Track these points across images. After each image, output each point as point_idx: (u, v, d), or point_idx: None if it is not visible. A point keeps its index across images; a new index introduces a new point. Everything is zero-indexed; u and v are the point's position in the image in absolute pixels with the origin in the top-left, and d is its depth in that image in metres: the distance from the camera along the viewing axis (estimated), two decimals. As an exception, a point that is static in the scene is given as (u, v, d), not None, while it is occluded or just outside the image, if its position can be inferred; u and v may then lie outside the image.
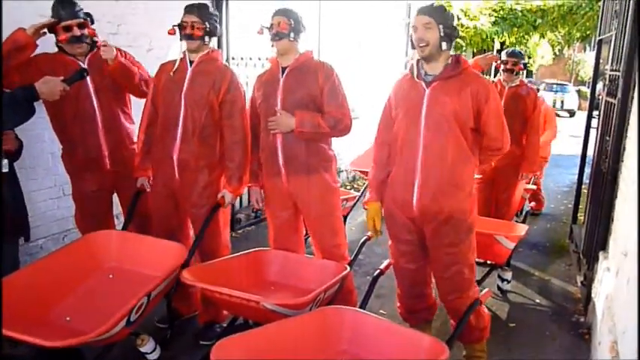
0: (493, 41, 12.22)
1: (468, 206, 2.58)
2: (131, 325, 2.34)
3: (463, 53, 12.45)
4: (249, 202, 5.29)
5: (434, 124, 2.47)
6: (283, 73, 2.84)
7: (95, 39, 2.95)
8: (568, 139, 12.86)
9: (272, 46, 2.85)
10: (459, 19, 11.07)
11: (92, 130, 2.95)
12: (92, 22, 2.94)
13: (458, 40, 11.96)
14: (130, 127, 3.15)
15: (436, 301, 2.96)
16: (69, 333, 2.21)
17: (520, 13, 11.43)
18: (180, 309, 3.22)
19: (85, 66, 2.88)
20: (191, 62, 2.92)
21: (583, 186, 5.14)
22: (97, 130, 2.96)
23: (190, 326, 3.22)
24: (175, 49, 3.87)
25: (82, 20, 2.85)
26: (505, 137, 2.54)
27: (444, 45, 2.44)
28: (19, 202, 2.69)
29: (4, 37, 2.61)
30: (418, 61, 2.55)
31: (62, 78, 2.55)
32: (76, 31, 2.82)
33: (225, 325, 3.04)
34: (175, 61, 2.97)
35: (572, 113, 20.53)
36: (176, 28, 2.90)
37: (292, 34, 2.79)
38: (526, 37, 12.41)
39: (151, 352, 2.55)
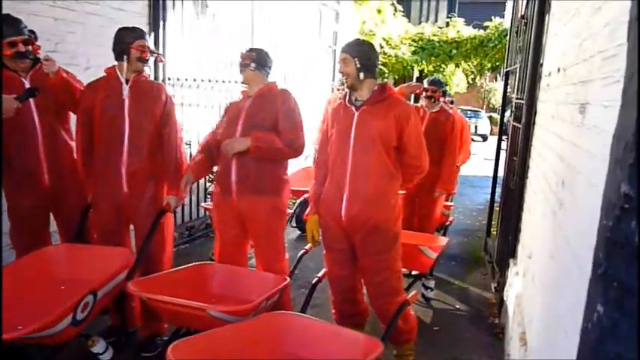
0: (413, 69, 12.96)
1: (392, 217, 2.84)
2: (79, 325, 2.40)
3: (385, 79, 13.11)
4: (182, 220, 5.35)
5: (361, 143, 2.75)
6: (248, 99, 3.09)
7: (38, 55, 2.99)
8: (482, 161, 13.80)
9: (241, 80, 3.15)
10: (381, 47, 11.68)
11: (31, 145, 2.97)
12: (36, 39, 2.99)
13: (381, 67, 12.63)
14: (71, 144, 3.18)
15: (367, 307, 3.19)
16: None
17: (437, 44, 12.25)
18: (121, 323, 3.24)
19: (28, 82, 2.92)
20: (127, 80, 3.02)
21: (495, 203, 5.64)
22: (37, 145, 2.99)
23: (132, 339, 3.25)
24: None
25: (26, 37, 2.90)
26: (424, 156, 2.83)
27: (362, 75, 2.75)
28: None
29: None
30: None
31: (14, 96, 2.59)
32: (21, 47, 2.87)
33: (166, 338, 3.11)
34: (104, 80, 3.06)
35: (484, 138, 21.92)
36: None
37: (253, 65, 3.05)
38: (442, 65, 13.31)
39: (103, 353, 2.61)
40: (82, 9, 3.88)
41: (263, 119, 3.00)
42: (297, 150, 3.05)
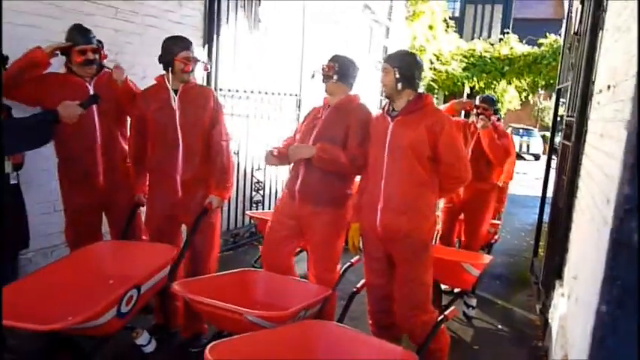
0: (463, 85, 12.86)
1: (424, 226, 2.83)
2: (123, 318, 2.51)
3: (435, 95, 13.04)
4: (227, 227, 5.48)
5: (394, 154, 2.78)
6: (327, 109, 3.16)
7: (103, 63, 3.18)
8: (534, 181, 13.43)
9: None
10: (431, 62, 11.65)
11: (90, 148, 3.14)
12: (102, 49, 3.18)
13: (431, 82, 12.61)
14: (125, 148, 3.35)
15: None
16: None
17: (489, 61, 12.12)
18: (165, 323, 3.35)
19: (92, 87, 3.11)
20: (175, 90, 3.12)
21: (544, 224, 5.49)
22: (96, 147, 3.16)
23: (174, 339, 3.35)
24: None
25: (95, 46, 3.10)
26: (462, 165, 2.79)
27: (399, 85, 2.78)
28: (23, 213, 2.86)
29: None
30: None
31: (78, 102, 2.76)
32: (90, 55, 3.07)
33: (206, 340, 3.19)
34: (157, 87, 3.17)
35: (537, 157, 21.33)
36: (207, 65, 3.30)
37: (336, 77, 3.10)
38: (494, 82, 13.11)
39: (146, 345, 2.70)
40: (142, 21, 4.09)
41: (335, 131, 3.04)
42: (359, 168, 3.04)
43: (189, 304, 2.83)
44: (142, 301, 2.70)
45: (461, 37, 14.41)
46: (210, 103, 3.16)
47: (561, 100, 5.26)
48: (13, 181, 2.73)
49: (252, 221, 5.60)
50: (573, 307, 2.62)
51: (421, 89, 3.11)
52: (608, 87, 2.53)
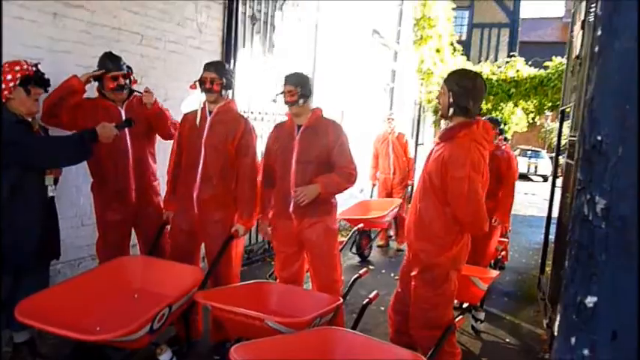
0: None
1: (434, 251, 2.81)
2: (153, 334, 2.67)
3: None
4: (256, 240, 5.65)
5: (423, 178, 2.85)
6: (298, 130, 3.30)
7: (133, 88, 3.41)
8: (542, 202, 13.51)
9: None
10: (439, 85, 11.87)
11: (124, 166, 3.35)
12: (131, 74, 3.41)
13: (438, 104, 12.76)
14: (154, 166, 3.56)
15: None
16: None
17: (496, 83, 12.30)
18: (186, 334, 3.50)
19: (123, 111, 3.33)
20: (210, 112, 3.36)
21: (550, 243, 5.61)
22: (128, 166, 3.36)
23: (196, 347, 3.50)
24: (188, 99, 4.39)
25: (126, 72, 3.32)
26: (466, 210, 2.64)
27: (451, 111, 2.71)
28: (57, 225, 3.05)
29: (56, 82, 3.07)
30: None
31: (115, 124, 2.98)
32: (121, 81, 3.29)
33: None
34: (197, 111, 3.41)
35: (545, 178, 21.35)
36: (197, 84, 3.35)
37: (301, 101, 3.25)
38: (501, 104, 13.27)
39: (168, 361, 2.85)
40: (165, 47, 4.33)
41: (316, 154, 3.24)
42: (353, 182, 3.30)
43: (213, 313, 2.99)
44: (171, 319, 2.86)
45: (468, 60, 14.65)
46: (240, 130, 3.31)
47: (565, 122, 5.43)
48: (50, 194, 2.93)
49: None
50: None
51: (430, 112, 3.25)
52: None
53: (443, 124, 6.60)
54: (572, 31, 4.91)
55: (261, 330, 2.70)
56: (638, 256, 0.52)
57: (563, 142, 5.55)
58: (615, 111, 0.59)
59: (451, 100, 2.70)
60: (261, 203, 3.46)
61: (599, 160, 0.59)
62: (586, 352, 0.58)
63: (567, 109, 4.95)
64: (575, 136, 3.97)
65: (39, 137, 2.90)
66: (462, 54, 13.75)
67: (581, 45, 4.22)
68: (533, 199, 14.29)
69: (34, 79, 2.83)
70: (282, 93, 3.28)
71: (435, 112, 12.90)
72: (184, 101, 4.48)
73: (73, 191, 3.67)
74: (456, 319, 2.95)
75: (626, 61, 0.58)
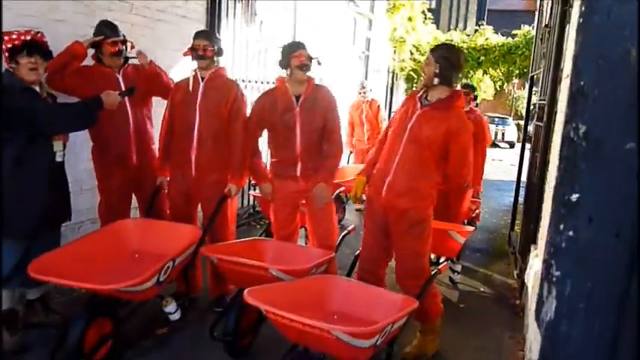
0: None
1: (423, 205, 3.11)
2: (160, 285, 2.88)
3: (415, 84, 13.51)
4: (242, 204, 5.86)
5: (411, 140, 3.04)
6: (297, 99, 3.43)
7: (128, 55, 3.54)
8: (509, 167, 14.06)
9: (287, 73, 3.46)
10: (411, 53, 12.10)
11: (125, 131, 3.50)
12: (126, 42, 3.53)
13: (410, 72, 13.00)
14: (151, 131, 3.72)
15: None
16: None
17: (466, 51, 12.62)
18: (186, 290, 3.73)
19: (121, 77, 3.47)
20: (202, 78, 3.52)
21: (519, 204, 6.00)
22: (129, 131, 3.51)
23: (197, 302, 3.74)
24: (176, 67, 4.51)
25: (123, 38, 3.44)
26: (467, 170, 3.07)
27: (436, 80, 2.96)
28: (67, 188, 3.20)
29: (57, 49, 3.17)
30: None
31: (118, 92, 3.12)
32: (120, 46, 3.43)
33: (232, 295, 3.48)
34: (188, 78, 3.56)
35: (511, 144, 22.04)
36: (190, 51, 3.51)
37: (307, 69, 3.42)
38: (471, 72, 13.63)
39: (174, 312, 3.09)
40: (153, 16, 4.43)
41: (315, 121, 3.45)
42: (342, 150, 3.63)
43: (216, 267, 3.21)
44: (173, 273, 3.06)
45: (437, 28, 14.89)
46: (232, 96, 3.49)
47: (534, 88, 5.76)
48: (59, 159, 3.07)
49: (251, 202, 5.99)
50: (546, 259, 3.09)
51: (402, 80, 3.47)
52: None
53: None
54: (542, 0, 5.18)
55: (264, 279, 2.93)
56: (606, 164, 0.75)
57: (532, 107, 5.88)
58: (592, 64, 0.82)
59: (437, 70, 2.93)
60: (256, 173, 3.68)
61: (581, 99, 0.82)
62: (571, 233, 0.83)
63: (536, 76, 5.25)
64: (544, 100, 4.27)
65: (46, 104, 3.02)
66: (433, 22, 13.97)
67: (550, 14, 4.50)
68: (501, 165, 14.83)
69: (23, 49, 2.87)
70: (290, 58, 3.38)
71: (408, 79, 13.17)
72: (172, 69, 4.59)
73: (73, 157, 3.78)
74: (440, 266, 3.25)
75: (603, 28, 0.80)
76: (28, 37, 2.90)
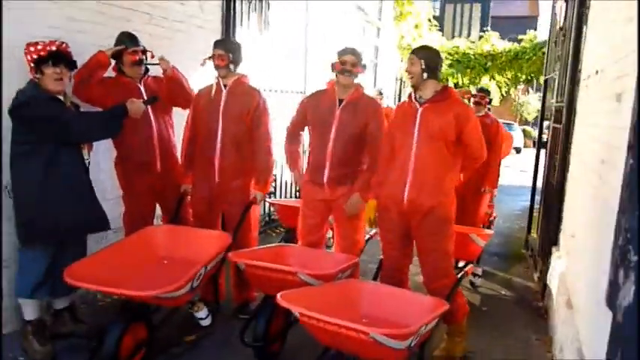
0: (448, 81, 13.38)
1: (447, 202, 3.15)
2: (192, 291, 2.89)
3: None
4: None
5: (423, 136, 3.09)
6: (340, 102, 3.46)
7: (148, 66, 3.59)
8: (518, 172, 14.05)
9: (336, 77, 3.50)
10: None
11: (148, 139, 3.54)
12: (147, 50, 3.59)
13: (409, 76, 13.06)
14: (174, 138, 3.76)
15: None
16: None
17: (472, 57, 12.68)
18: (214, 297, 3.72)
19: (142, 86, 3.51)
20: (225, 86, 3.56)
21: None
22: (153, 139, 3.55)
23: (221, 309, 3.71)
24: (194, 76, 4.53)
25: (143, 48, 3.49)
26: (483, 148, 3.22)
27: (425, 75, 3.07)
28: (95, 196, 3.22)
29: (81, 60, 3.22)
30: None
31: (142, 100, 3.16)
32: (141, 55, 3.48)
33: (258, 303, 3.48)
34: (211, 86, 3.61)
35: (518, 150, 22.04)
36: (205, 61, 3.59)
37: (356, 75, 3.46)
38: (477, 78, 13.67)
39: (205, 318, 3.11)
40: (170, 26, 4.48)
41: (354, 128, 3.42)
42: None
43: (242, 273, 3.21)
44: (205, 279, 3.08)
45: (442, 35, 14.97)
46: (254, 104, 3.52)
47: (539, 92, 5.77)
48: (87, 160, 3.12)
49: (268, 210, 6.01)
50: (573, 259, 3.09)
51: (409, 87, 3.49)
52: (596, 72, 3.00)
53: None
54: (554, 4, 5.21)
55: (292, 284, 2.92)
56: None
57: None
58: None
59: (424, 66, 3.06)
60: (291, 158, 3.73)
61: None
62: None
63: (551, 79, 5.27)
64: (562, 102, 4.28)
65: (74, 113, 3.06)
66: (438, 29, 14.05)
67: (565, 17, 4.52)
68: (510, 171, 14.81)
69: (49, 59, 2.91)
70: (337, 63, 3.44)
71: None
72: (191, 78, 4.63)
73: (94, 167, 3.81)
74: (467, 267, 3.25)
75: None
76: (54, 48, 2.95)
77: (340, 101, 3.48)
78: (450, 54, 12.83)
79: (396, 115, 3.35)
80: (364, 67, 3.53)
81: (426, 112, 3.11)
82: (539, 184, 5.73)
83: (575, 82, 3.93)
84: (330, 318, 2.29)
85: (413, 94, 3.23)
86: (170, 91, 3.62)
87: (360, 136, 3.45)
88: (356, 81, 3.54)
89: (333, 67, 3.46)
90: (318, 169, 3.52)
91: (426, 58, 3.09)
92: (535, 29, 14.98)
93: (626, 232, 0.90)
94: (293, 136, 3.77)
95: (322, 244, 3.73)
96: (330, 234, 4.36)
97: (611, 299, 0.95)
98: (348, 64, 3.42)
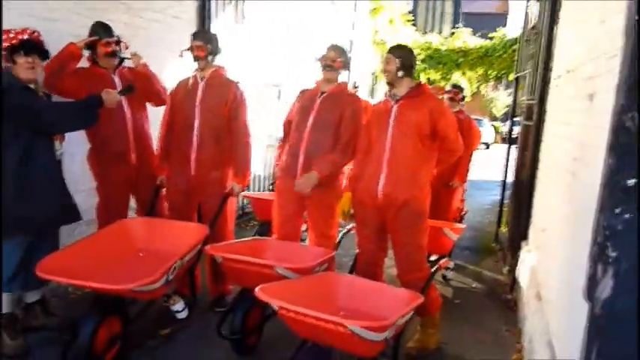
0: (419, 77, 13.52)
1: (421, 195, 3.23)
2: (168, 285, 2.88)
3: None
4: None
5: (399, 131, 3.16)
6: (321, 95, 3.51)
7: (123, 56, 3.52)
8: (487, 167, 14.29)
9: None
10: (392, 55, 12.24)
11: (123, 131, 3.49)
12: (120, 42, 3.52)
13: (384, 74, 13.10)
14: (149, 130, 3.71)
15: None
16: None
17: (444, 53, 12.83)
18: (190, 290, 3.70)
19: (116, 77, 3.45)
20: (202, 78, 3.54)
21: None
22: (127, 130, 3.50)
23: (197, 302, 3.70)
24: (168, 67, 4.49)
25: (117, 39, 3.43)
26: (460, 141, 3.31)
27: (400, 73, 3.17)
28: (66, 188, 3.17)
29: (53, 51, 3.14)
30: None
31: (118, 91, 3.11)
32: (114, 47, 3.41)
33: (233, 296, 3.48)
34: (188, 78, 3.58)
35: (487, 146, 22.47)
36: (183, 52, 3.55)
37: (341, 71, 3.53)
38: (449, 74, 13.85)
39: (181, 311, 3.09)
40: (147, 16, 4.41)
41: (329, 118, 3.44)
42: (352, 154, 3.43)
43: (218, 266, 3.21)
44: (180, 272, 3.06)
45: (415, 30, 15.10)
46: (232, 95, 3.52)
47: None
48: (58, 159, 3.05)
49: (242, 203, 5.99)
50: (544, 253, 3.19)
51: (384, 83, 3.57)
52: (567, 71, 3.09)
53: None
54: (527, 3, 5.32)
55: (269, 277, 2.93)
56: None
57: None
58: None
59: (399, 65, 3.17)
60: (279, 154, 3.80)
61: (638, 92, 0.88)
62: (627, 216, 0.88)
63: (522, 76, 5.39)
64: (533, 99, 4.39)
65: (46, 102, 3.00)
66: (413, 24, 14.17)
67: (538, 17, 4.62)
68: (479, 165, 15.06)
69: (21, 48, 2.86)
70: (321, 58, 3.53)
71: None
72: (165, 68, 4.57)
73: (67, 158, 3.74)
74: (441, 261, 3.32)
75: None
76: (25, 37, 2.88)
77: (322, 94, 3.53)
78: (422, 49, 12.95)
79: (372, 114, 3.41)
80: (346, 63, 3.56)
81: (401, 108, 3.19)
82: (509, 179, 5.87)
83: (546, 80, 4.03)
84: (309, 311, 2.32)
85: (388, 92, 3.31)
86: (141, 87, 3.56)
87: (337, 128, 3.46)
88: (340, 79, 3.62)
89: (319, 62, 3.55)
90: (293, 158, 3.53)
91: (402, 57, 3.19)
92: (505, 26, 15.20)
93: (604, 229, 0.95)
94: (285, 135, 3.79)
95: (297, 238, 3.72)
96: (304, 227, 4.41)
97: (590, 293, 0.99)
98: (328, 59, 3.49)
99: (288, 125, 3.74)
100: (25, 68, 2.87)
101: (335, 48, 3.55)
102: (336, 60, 3.49)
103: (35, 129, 2.87)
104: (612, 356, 0.97)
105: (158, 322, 3.36)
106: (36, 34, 2.94)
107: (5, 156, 2.79)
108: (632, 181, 0.88)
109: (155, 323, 3.35)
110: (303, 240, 4.45)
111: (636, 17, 0.91)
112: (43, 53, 2.99)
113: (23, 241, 2.93)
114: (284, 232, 3.63)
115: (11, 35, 2.83)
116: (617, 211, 0.91)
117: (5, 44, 2.83)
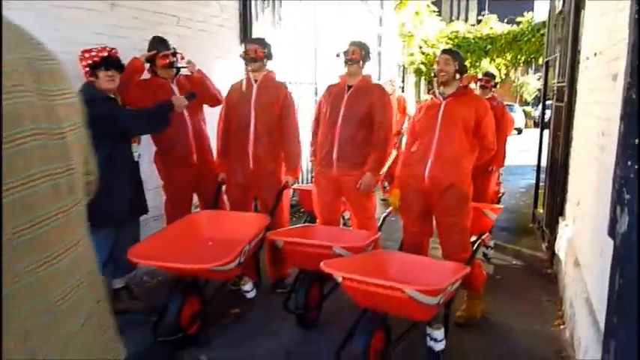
0: (448, 66, 13.66)
1: (466, 180, 3.50)
2: (239, 266, 3.24)
3: (424, 77, 13.82)
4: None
5: (446, 124, 3.43)
6: (348, 89, 3.84)
7: (179, 67, 3.90)
8: (519, 152, 14.34)
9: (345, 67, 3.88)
10: (420, 47, 12.43)
11: (185, 134, 3.86)
12: (178, 52, 3.90)
13: (420, 65, 13.24)
14: (207, 132, 4.08)
15: None
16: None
17: (472, 41, 12.95)
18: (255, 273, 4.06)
19: (175, 86, 3.83)
20: (255, 80, 3.89)
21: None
22: (188, 133, 3.88)
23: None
24: (218, 72, 4.84)
25: (174, 51, 3.81)
26: (494, 140, 3.60)
27: (457, 75, 3.50)
28: (142, 185, 3.58)
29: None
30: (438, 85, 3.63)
31: (184, 96, 3.49)
32: (171, 58, 3.80)
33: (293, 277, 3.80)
34: (241, 81, 3.94)
35: (519, 131, 22.31)
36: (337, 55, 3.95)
37: (361, 62, 3.85)
38: (478, 62, 13.94)
39: (250, 291, 3.46)
40: (195, 27, 4.80)
41: (359, 110, 3.78)
42: (388, 139, 3.83)
43: (279, 250, 3.56)
44: (248, 255, 3.42)
45: (440, 20, 15.22)
46: (282, 95, 3.88)
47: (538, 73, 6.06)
48: (136, 159, 3.46)
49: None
50: (579, 224, 3.43)
51: (411, 74, 3.87)
52: (595, 54, 3.32)
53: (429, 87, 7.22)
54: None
55: (327, 257, 3.24)
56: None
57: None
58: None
59: (457, 68, 3.49)
60: (314, 151, 4.10)
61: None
62: (636, 166, 1.18)
63: (552, 60, 5.57)
64: (563, 82, 4.59)
65: (127, 110, 3.40)
66: (438, 14, 14.30)
67: (564, 3, 4.82)
68: (512, 150, 15.10)
69: (102, 64, 3.27)
70: (345, 52, 3.86)
71: (417, 72, 13.50)
72: (214, 73, 4.94)
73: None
74: (484, 235, 3.58)
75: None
76: (105, 54, 3.29)
77: (349, 88, 3.84)
78: (450, 38, 13.11)
79: (419, 111, 3.68)
80: (366, 56, 3.88)
81: (449, 104, 3.47)
82: (544, 161, 6.05)
83: (575, 63, 4.24)
84: (370, 279, 2.64)
85: (436, 90, 3.59)
86: (199, 92, 3.92)
87: (366, 119, 3.78)
88: (365, 71, 3.93)
89: (343, 57, 3.89)
90: (327, 150, 3.86)
91: (459, 61, 3.51)
92: (531, 11, 15.18)
93: (620, 179, 1.23)
94: (315, 133, 4.12)
95: (337, 221, 4.08)
96: (347, 215, 4.77)
97: (611, 230, 1.28)
98: (349, 53, 3.83)
99: (316, 124, 4.08)
100: (105, 80, 3.28)
101: (354, 43, 3.90)
102: (355, 52, 3.83)
103: (120, 134, 3.28)
104: (630, 277, 1.25)
105: (229, 303, 3.74)
106: (114, 51, 3.34)
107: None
108: (637, 140, 1.17)
109: (226, 304, 3.73)
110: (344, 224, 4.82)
111: (636, 16, 1.19)
112: (120, 67, 3.39)
113: (110, 234, 3.34)
114: (325, 216, 3.99)
115: (93, 54, 3.24)
116: (629, 163, 1.20)
117: (88, 61, 3.24)
